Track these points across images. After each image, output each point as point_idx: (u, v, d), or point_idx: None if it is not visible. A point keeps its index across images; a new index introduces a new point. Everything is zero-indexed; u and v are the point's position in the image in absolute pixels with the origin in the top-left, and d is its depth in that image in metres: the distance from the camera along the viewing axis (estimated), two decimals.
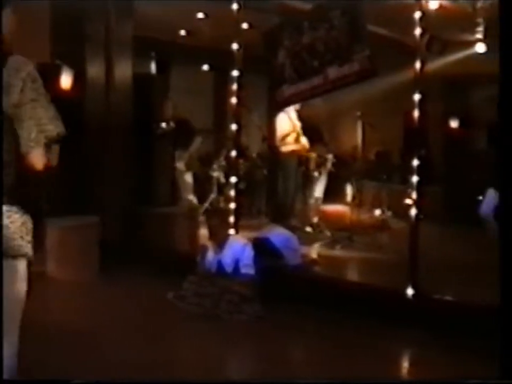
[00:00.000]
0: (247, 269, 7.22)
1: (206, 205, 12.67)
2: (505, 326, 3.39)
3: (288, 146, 11.20)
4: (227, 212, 8.68)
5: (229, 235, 7.72)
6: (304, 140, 11.37)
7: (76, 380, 4.41)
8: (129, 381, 5.08)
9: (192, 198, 12.31)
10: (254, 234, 8.67)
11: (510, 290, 3.42)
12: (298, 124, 11.25)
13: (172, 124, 11.24)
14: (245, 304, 6.93)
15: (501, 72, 3.62)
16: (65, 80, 8.90)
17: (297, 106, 11.04)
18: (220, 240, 7.40)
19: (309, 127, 11.50)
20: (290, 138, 11.19)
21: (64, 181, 8.68)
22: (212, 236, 7.46)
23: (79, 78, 9.02)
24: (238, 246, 7.36)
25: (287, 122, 11.17)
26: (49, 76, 8.64)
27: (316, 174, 11.45)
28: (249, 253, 7.31)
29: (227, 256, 7.30)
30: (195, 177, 12.89)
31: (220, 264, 7.31)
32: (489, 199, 8.88)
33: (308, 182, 11.70)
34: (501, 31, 3.62)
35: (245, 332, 6.65)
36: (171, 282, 7.43)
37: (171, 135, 11.30)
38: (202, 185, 13.73)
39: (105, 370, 5.24)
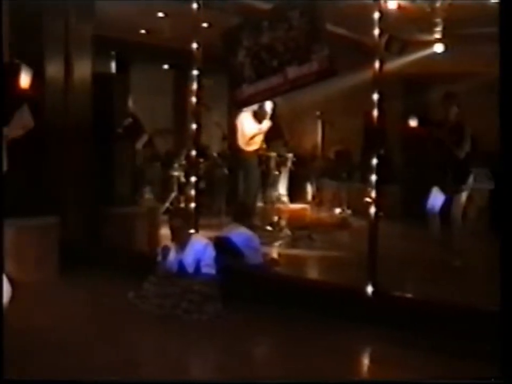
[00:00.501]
0: (208, 269, 7.22)
1: (167, 204, 12.66)
2: (505, 327, 3.43)
3: (252, 146, 11.27)
4: (189, 212, 8.69)
5: (190, 235, 7.69)
6: (265, 123, 11.47)
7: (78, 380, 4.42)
8: (126, 381, 5.10)
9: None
10: (215, 233, 8.69)
11: (509, 291, 3.46)
12: (265, 125, 11.30)
13: (130, 121, 11.23)
14: (205, 304, 6.93)
15: (501, 72, 3.65)
16: (24, 80, 8.83)
17: (269, 106, 11.12)
18: (181, 240, 7.39)
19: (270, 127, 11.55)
20: (257, 139, 11.26)
21: (24, 180, 8.64)
22: (174, 236, 7.45)
23: (38, 77, 8.95)
24: (199, 246, 7.35)
25: (253, 123, 11.23)
26: (8, 75, 8.58)
27: (276, 173, 11.50)
28: (210, 253, 7.32)
29: (188, 256, 7.29)
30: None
31: (181, 264, 7.29)
32: (435, 197, 8.98)
33: (268, 181, 11.76)
34: (500, 31, 3.66)
35: (206, 331, 6.65)
36: (132, 282, 7.42)
37: (131, 134, 11.28)
38: (162, 184, 13.74)
39: (65, 370, 5.22)
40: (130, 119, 11.15)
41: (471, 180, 8.93)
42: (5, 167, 3.91)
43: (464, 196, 8.95)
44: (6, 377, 3.61)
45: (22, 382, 4.01)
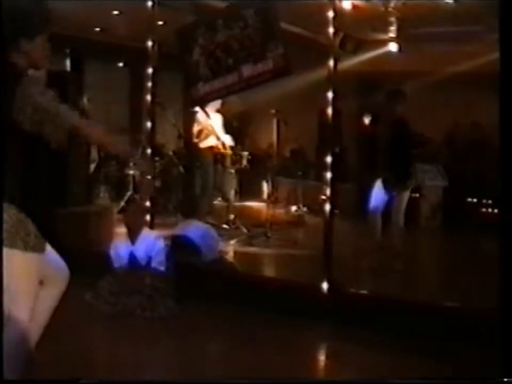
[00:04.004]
0: (158, 264, 7.19)
1: (122, 203, 12.60)
2: (505, 327, 3.47)
3: (205, 143, 11.27)
4: (142, 205, 8.66)
5: (142, 228, 7.60)
6: (226, 138, 11.48)
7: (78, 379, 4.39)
8: (130, 381, 5.07)
9: None
10: (171, 230, 8.67)
11: (509, 292, 3.50)
12: (213, 122, 11.32)
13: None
14: (159, 302, 6.92)
15: (501, 72, 3.68)
16: None
17: (217, 104, 11.14)
18: (134, 232, 7.36)
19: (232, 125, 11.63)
20: (204, 135, 11.26)
21: None
22: (128, 228, 7.42)
23: None
24: (149, 241, 7.32)
25: (199, 119, 11.26)
26: None
27: (231, 171, 11.51)
28: (160, 248, 7.28)
29: (140, 251, 7.27)
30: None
31: (132, 257, 7.26)
32: (376, 195, 8.84)
33: (224, 179, 11.78)
34: (500, 31, 3.69)
35: (159, 329, 6.64)
36: (87, 282, 7.38)
37: None
38: (117, 183, 13.70)
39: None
40: None
41: (413, 179, 8.83)
42: None
43: (406, 195, 8.81)
44: (6, 377, 3.58)
45: (22, 382, 3.97)
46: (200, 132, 11.23)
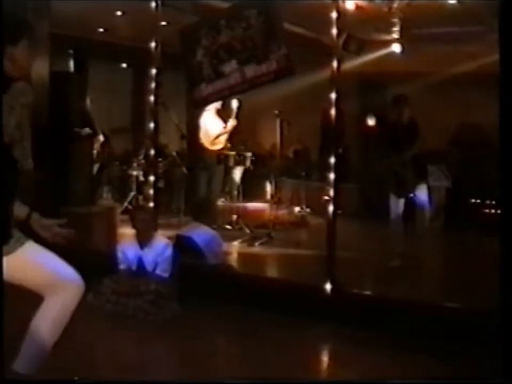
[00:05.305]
0: (163, 272, 7.20)
1: (126, 203, 12.61)
2: (506, 327, 3.47)
3: (216, 146, 11.32)
4: (151, 209, 8.66)
5: (153, 233, 7.61)
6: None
7: (78, 379, 4.40)
8: (129, 381, 5.06)
9: None
10: (174, 232, 8.66)
11: (510, 293, 3.50)
12: (230, 124, 11.37)
13: (88, 130, 11.21)
14: (163, 306, 6.91)
15: (501, 72, 3.68)
16: None
17: (235, 104, 11.18)
18: (144, 238, 7.36)
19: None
20: (221, 138, 11.32)
21: None
22: (138, 233, 7.42)
23: None
24: (160, 247, 7.32)
25: (217, 122, 11.30)
26: None
27: (235, 171, 11.52)
28: (168, 255, 7.27)
29: (149, 255, 7.27)
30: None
31: (140, 262, 7.27)
32: (394, 204, 8.82)
33: (227, 179, 11.80)
34: (500, 31, 3.68)
35: (162, 331, 6.64)
36: (90, 282, 7.36)
37: (89, 136, 11.24)
38: (120, 184, 13.71)
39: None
40: (88, 130, 11.10)
41: (428, 177, 8.90)
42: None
43: (424, 193, 8.84)
44: (6, 377, 3.58)
45: (22, 382, 3.98)
46: (219, 135, 11.31)
